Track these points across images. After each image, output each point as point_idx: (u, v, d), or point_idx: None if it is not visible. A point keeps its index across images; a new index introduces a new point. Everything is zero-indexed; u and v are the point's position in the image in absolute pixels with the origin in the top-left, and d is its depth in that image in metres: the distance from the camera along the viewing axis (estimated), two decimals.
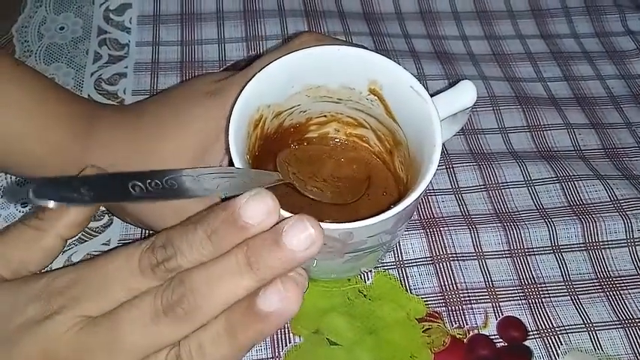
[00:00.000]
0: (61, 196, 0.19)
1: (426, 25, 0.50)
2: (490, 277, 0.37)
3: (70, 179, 0.21)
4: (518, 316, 0.35)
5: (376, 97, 0.33)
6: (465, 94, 0.32)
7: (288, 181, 0.32)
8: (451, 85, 0.33)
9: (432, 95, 0.32)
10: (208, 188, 0.25)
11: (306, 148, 0.37)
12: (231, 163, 0.29)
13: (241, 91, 0.30)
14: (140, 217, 0.33)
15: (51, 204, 0.19)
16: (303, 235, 0.22)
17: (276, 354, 0.33)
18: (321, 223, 0.27)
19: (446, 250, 0.37)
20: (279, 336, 0.34)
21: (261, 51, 0.47)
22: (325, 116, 0.36)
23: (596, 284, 0.37)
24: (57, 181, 0.20)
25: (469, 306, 0.35)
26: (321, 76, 0.33)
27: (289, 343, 0.33)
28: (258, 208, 0.22)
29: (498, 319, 0.35)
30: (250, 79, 0.30)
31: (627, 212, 0.39)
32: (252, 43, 0.47)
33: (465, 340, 0.34)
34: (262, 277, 0.22)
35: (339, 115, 0.36)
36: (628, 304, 0.36)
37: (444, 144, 0.42)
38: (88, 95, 0.42)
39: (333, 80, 0.33)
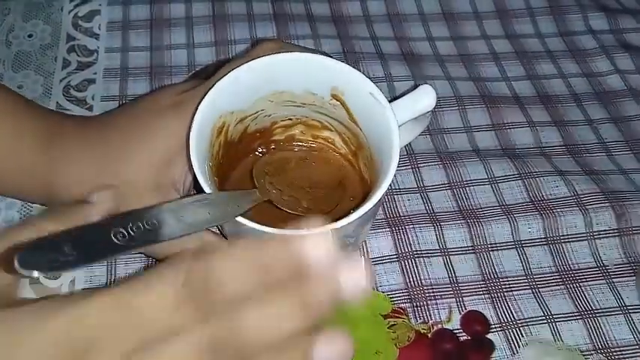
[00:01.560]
0: (46, 264, 0.19)
1: (393, 27, 0.51)
2: (454, 273, 0.37)
3: (53, 240, 0.20)
4: (481, 310, 0.36)
5: (339, 103, 0.34)
6: (425, 98, 0.33)
7: (266, 198, 0.32)
8: (417, 86, 0.34)
9: (393, 100, 0.33)
10: (191, 223, 0.24)
11: (282, 155, 0.38)
12: (195, 179, 0.29)
13: (202, 99, 0.30)
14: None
15: (35, 274, 0.18)
16: None
17: None
18: (280, 230, 0.27)
19: (411, 247, 0.38)
20: None
21: (231, 55, 0.48)
22: (290, 119, 0.37)
23: (557, 277, 0.38)
24: (41, 245, 0.19)
25: (433, 301, 0.36)
26: (284, 82, 0.33)
27: None
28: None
29: (462, 313, 0.36)
30: (211, 88, 0.31)
31: (587, 207, 0.41)
32: (221, 48, 0.48)
33: (429, 335, 0.35)
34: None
35: (304, 118, 0.37)
36: (587, 296, 0.37)
37: (410, 144, 0.43)
38: (57, 103, 0.43)
39: (296, 86, 0.34)
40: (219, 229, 0.34)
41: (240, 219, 0.27)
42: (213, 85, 0.31)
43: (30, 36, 0.46)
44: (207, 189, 0.28)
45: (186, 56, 0.47)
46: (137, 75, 0.45)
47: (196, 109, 0.30)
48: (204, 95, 0.30)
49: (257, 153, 0.37)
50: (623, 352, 0.36)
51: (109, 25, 0.48)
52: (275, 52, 0.32)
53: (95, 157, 0.33)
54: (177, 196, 0.32)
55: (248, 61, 0.31)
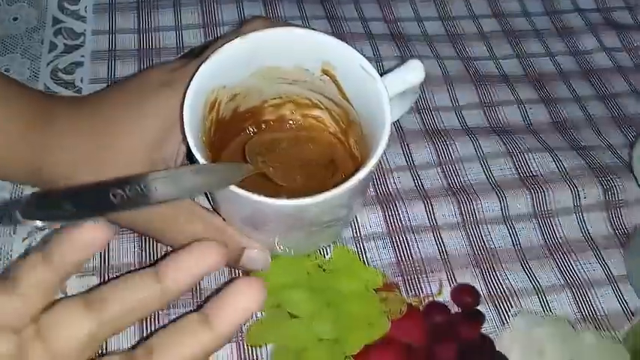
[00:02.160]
0: (46, 214, 0.20)
1: (381, 7, 0.51)
2: (444, 248, 0.38)
3: (54, 195, 0.21)
4: (471, 283, 0.37)
5: (329, 78, 0.34)
6: (413, 72, 0.33)
7: (259, 171, 0.33)
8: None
9: (382, 75, 0.33)
10: (185, 188, 0.26)
11: (273, 136, 0.38)
12: (189, 149, 0.29)
13: (196, 71, 0.30)
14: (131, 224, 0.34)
15: (38, 223, 0.20)
16: None
17: (239, 329, 0.34)
18: (278, 200, 0.28)
19: (402, 223, 0.39)
20: None
21: (219, 37, 0.47)
22: (281, 97, 0.37)
23: (545, 250, 0.39)
24: (42, 198, 0.21)
25: (424, 275, 0.37)
26: (275, 57, 0.33)
27: (251, 318, 0.34)
28: None
29: (452, 286, 0.36)
30: (204, 61, 0.31)
31: (574, 181, 0.41)
32: (209, 29, 0.48)
33: (421, 308, 0.35)
34: None
35: (294, 97, 0.37)
36: (575, 268, 0.38)
37: (399, 122, 0.43)
38: (45, 85, 0.42)
39: (287, 62, 0.34)
40: (208, 200, 0.35)
41: (233, 188, 0.27)
42: (206, 60, 0.31)
43: (15, 19, 0.46)
44: (201, 159, 0.28)
45: (174, 38, 0.47)
46: (125, 57, 0.45)
47: (189, 81, 0.30)
48: (200, 66, 0.30)
49: (248, 132, 0.38)
50: (611, 321, 0.36)
51: (95, 8, 0.47)
52: (265, 28, 0.32)
53: (86, 138, 0.33)
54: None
55: (238, 37, 0.31)
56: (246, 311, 0.23)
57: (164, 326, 0.23)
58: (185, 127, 0.29)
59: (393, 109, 0.32)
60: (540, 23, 0.53)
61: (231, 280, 0.23)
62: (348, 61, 0.32)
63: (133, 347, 0.22)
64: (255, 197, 0.27)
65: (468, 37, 0.50)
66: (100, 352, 0.30)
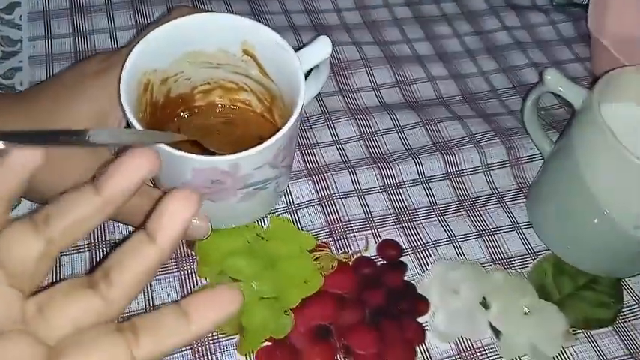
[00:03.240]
0: (10, 139, 0.24)
1: (302, 1, 0.56)
2: (369, 210, 0.42)
3: (20, 131, 0.25)
4: (394, 238, 0.41)
5: (250, 57, 0.37)
6: (323, 45, 0.37)
7: (193, 139, 0.36)
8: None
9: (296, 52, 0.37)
10: (123, 140, 0.29)
11: (205, 121, 0.41)
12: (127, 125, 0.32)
13: (128, 55, 0.33)
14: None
15: (1, 144, 0.23)
16: None
17: (186, 295, 0.37)
18: (209, 157, 0.31)
19: (330, 191, 0.43)
20: (187, 281, 0.38)
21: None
22: (209, 83, 0.40)
23: (458, 205, 0.44)
24: (11, 131, 0.24)
25: (352, 234, 0.41)
26: (199, 42, 0.37)
27: (196, 285, 0.38)
28: None
29: (377, 242, 0.41)
30: (136, 45, 0.34)
31: (481, 144, 0.46)
32: (142, 29, 0.51)
33: (350, 263, 0.40)
34: None
35: (221, 82, 0.40)
36: (484, 218, 0.43)
37: (324, 103, 0.47)
38: None
39: (209, 45, 0.37)
40: (151, 180, 0.38)
41: (171, 149, 0.30)
42: (137, 44, 0.34)
43: None
44: (137, 126, 0.31)
45: (109, 40, 0.49)
46: (63, 60, 0.47)
47: (124, 62, 0.33)
48: (132, 50, 0.33)
49: (181, 117, 0.41)
50: (517, 261, 0.41)
51: (30, 16, 0.50)
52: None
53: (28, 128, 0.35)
54: (107, 154, 0.35)
55: (164, 24, 0.35)
56: (184, 221, 0.24)
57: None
58: (122, 101, 0.31)
59: (310, 84, 0.36)
60: (448, 9, 0.58)
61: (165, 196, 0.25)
62: (265, 39, 0.36)
63: (90, 271, 0.25)
64: (191, 156, 0.31)
65: (383, 24, 0.55)
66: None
